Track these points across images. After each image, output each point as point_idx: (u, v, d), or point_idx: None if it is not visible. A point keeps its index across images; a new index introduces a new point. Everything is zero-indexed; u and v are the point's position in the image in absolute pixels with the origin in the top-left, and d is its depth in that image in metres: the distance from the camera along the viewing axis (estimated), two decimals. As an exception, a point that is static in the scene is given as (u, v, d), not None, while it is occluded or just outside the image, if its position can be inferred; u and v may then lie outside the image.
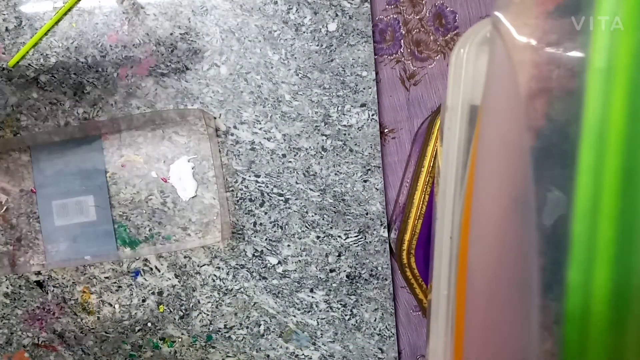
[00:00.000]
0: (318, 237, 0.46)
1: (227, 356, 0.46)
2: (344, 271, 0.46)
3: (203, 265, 0.45)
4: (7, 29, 0.44)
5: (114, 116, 0.44)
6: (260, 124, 0.45)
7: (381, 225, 0.46)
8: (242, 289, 0.46)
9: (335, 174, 0.46)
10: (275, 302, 0.46)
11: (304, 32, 0.45)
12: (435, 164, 0.39)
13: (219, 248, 0.45)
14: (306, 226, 0.46)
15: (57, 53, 0.44)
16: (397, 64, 0.47)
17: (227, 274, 0.46)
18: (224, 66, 0.45)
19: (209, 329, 0.46)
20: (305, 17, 0.44)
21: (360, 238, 0.46)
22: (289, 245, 0.46)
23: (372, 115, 0.45)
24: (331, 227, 0.46)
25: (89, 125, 0.43)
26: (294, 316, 0.46)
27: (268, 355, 0.46)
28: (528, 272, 0.25)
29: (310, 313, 0.46)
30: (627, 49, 0.22)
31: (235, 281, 0.46)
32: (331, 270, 0.46)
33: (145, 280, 0.45)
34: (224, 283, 0.46)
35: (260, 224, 0.45)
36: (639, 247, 0.23)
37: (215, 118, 0.45)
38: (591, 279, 0.23)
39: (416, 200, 0.41)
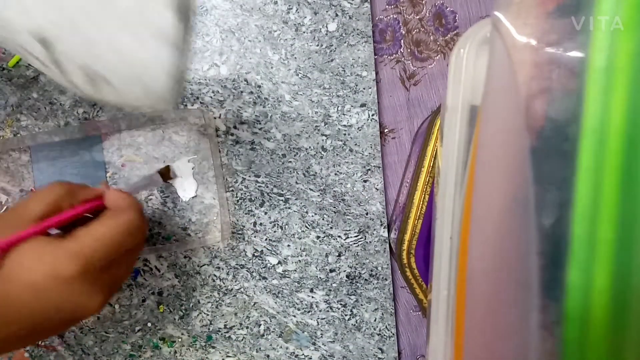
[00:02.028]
0: (318, 237, 0.46)
1: (227, 356, 0.46)
2: (344, 271, 0.46)
3: (203, 265, 0.45)
4: (7, 29, 0.44)
5: (114, 116, 0.44)
6: (260, 124, 0.45)
7: (381, 225, 0.46)
8: (242, 289, 0.46)
9: (335, 174, 0.46)
10: (275, 302, 0.46)
11: (304, 32, 0.45)
12: (435, 164, 0.39)
13: (219, 248, 0.45)
14: (306, 226, 0.46)
15: (57, 53, 0.44)
16: (397, 64, 0.47)
17: (227, 274, 0.46)
18: (224, 66, 0.45)
19: (209, 329, 0.46)
20: (305, 17, 0.44)
21: (360, 238, 0.46)
22: (289, 245, 0.46)
23: (372, 115, 0.45)
24: (331, 227, 0.46)
25: (89, 125, 0.43)
26: (294, 316, 0.46)
27: (268, 355, 0.46)
28: (528, 272, 0.25)
29: (310, 313, 0.46)
30: (627, 49, 0.22)
31: (235, 281, 0.46)
32: (331, 270, 0.46)
33: (145, 280, 0.45)
34: (224, 283, 0.46)
35: (260, 224, 0.45)
36: (639, 247, 0.23)
37: (215, 118, 0.45)
38: (591, 279, 0.23)
39: (416, 200, 0.41)
